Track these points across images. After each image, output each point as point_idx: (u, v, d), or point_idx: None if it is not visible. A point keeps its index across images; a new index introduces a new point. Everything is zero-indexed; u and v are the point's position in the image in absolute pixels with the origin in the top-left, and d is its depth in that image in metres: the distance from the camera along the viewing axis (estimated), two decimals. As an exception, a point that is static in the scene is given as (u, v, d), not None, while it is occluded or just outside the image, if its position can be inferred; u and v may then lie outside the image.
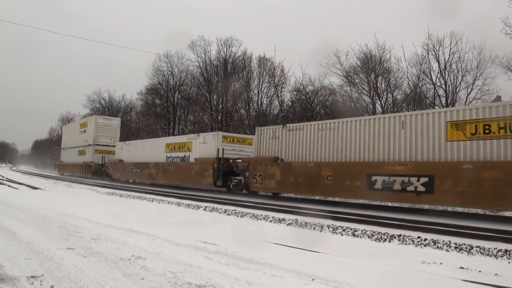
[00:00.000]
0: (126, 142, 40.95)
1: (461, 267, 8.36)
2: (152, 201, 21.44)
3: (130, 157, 37.67)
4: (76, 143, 52.49)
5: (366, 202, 19.32)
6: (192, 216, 16.13)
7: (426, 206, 17.62)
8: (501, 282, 7.45)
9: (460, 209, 16.59)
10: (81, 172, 49.33)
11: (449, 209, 17.06)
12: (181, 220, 15.00)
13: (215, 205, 18.10)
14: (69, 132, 58.71)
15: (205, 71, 48.81)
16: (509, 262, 8.89)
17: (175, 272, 7.14)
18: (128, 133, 58.80)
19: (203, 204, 18.60)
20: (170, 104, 53.44)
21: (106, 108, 71.55)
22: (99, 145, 46.91)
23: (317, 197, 22.16)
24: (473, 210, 16.73)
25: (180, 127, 52.93)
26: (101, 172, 44.02)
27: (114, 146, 43.22)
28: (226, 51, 47.98)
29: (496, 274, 7.83)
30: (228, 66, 47.37)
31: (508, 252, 9.25)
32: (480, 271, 8.04)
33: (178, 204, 19.41)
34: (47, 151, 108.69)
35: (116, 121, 50.58)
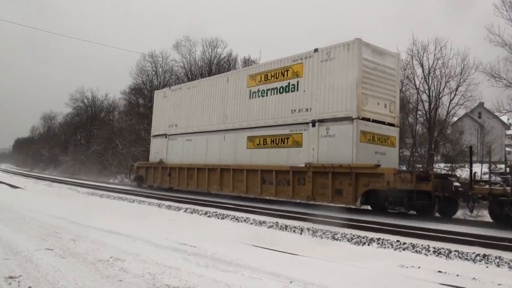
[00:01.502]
0: None
1: (439, 271, 8.42)
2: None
3: None
4: (234, 121, 23.10)
5: (347, 206, 19.26)
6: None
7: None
8: (478, 286, 7.54)
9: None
10: (274, 190, 19.88)
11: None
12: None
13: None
14: (193, 99, 26.92)
15: (189, 72, 48.51)
16: (487, 267, 8.96)
17: (153, 274, 7.16)
18: (110, 133, 58.27)
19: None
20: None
21: (89, 107, 70.86)
22: (368, 120, 17.88)
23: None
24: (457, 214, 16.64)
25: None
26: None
27: (394, 125, 19.24)
28: (211, 52, 47.88)
29: (473, 278, 7.90)
30: (213, 67, 47.22)
31: (486, 257, 9.31)
32: (458, 275, 8.11)
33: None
34: (28, 149, 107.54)
35: (392, 62, 19.57)
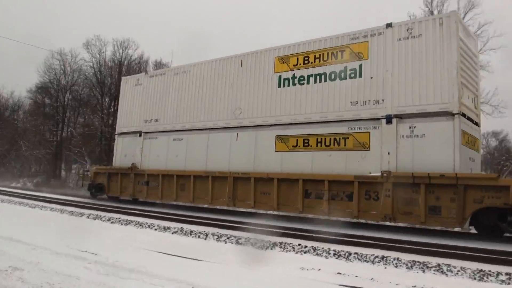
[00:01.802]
0: None
1: (338, 273, 8.75)
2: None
3: None
4: (254, 116, 18.28)
5: (254, 210, 19.13)
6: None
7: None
8: (376, 285, 7.92)
9: (347, 219, 16.49)
10: None
11: (333, 218, 16.73)
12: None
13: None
14: (184, 87, 21.35)
15: (98, 72, 47.48)
16: (385, 268, 9.39)
17: (52, 284, 7.12)
18: (14, 133, 55.76)
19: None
20: (60, 105, 51.32)
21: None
22: (464, 116, 13.77)
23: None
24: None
25: (69, 129, 51.03)
26: None
27: (478, 124, 15.69)
28: (122, 52, 47.22)
29: (372, 279, 8.29)
30: (123, 69, 46.45)
31: (384, 258, 9.76)
32: (356, 276, 8.47)
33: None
34: None
35: (474, 46, 16.11)
